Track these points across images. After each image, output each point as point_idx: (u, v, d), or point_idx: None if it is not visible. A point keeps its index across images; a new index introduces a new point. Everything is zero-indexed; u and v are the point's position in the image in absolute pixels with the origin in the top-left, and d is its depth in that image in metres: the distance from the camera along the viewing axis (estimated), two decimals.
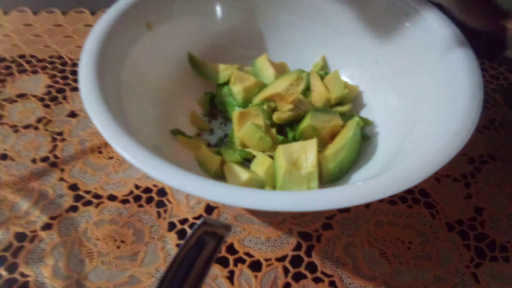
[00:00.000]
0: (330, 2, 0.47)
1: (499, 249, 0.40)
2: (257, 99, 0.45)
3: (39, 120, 0.50)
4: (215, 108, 0.48)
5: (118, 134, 0.31)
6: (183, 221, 0.41)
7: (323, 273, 0.39)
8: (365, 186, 0.29)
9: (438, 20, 0.40)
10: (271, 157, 0.41)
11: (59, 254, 0.39)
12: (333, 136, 0.43)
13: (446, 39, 0.38)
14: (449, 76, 0.36)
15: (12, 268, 0.38)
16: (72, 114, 0.50)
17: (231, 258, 0.39)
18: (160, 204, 0.43)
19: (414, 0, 0.42)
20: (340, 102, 0.46)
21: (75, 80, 0.54)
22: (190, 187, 0.28)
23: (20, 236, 0.40)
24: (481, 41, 0.58)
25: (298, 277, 0.38)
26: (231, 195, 0.28)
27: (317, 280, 0.38)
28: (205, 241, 0.22)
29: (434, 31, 0.40)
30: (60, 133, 0.48)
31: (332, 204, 0.28)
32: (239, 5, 0.49)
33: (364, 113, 0.46)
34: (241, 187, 0.29)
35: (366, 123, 0.44)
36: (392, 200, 0.43)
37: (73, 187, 0.44)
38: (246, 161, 0.42)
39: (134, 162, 0.30)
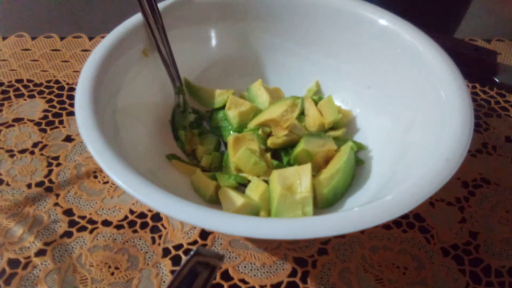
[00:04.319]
0: (323, 28, 0.48)
1: (495, 274, 0.40)
2: (252, 124, 0.46)
3: (35, 145, 0.50)
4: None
5: (112, 160, 0.31)
6: (178, 247, 0.41)
7: None
8: (359, 213, 0.29)
9: (429, 47, 0.41)
10: (266, 181, 0.41)
11: (53, 281, 0.39)
12: (327, 160, 0.43)
13: (436, 66, 0.39)
14: (440, 102, 0.37)
15: None
16: (68, 139, 0.51)
17: (226, 285, 0.39)
18: (155, 230, 0.42)
19: (405, 27, 0.43)
20: (334, 127, 0.47)
21: (72, 105, 0.54)
22: (183, 215, 0.28)
23: (14, 263, 0.40)
24: (473, 66, 0.59)
25: None
26: (225, 223, 0.28)
27: None
28: (197, 271, 0.22)
29: (424, 57, 0.40)
30: (56, 158, 0.49)
31: (326, 231, 0.28)
32: (233, 31, 0.49)
33: (357, 138, 0.47)
34: (234, 214, 0.29)
35: (359, 148, 0.45)
36: (387, 225, 0.43)
37: (68, 212, 0.44)
38: (241, 185, 0.43)
39: (127, 188, 0.30)
